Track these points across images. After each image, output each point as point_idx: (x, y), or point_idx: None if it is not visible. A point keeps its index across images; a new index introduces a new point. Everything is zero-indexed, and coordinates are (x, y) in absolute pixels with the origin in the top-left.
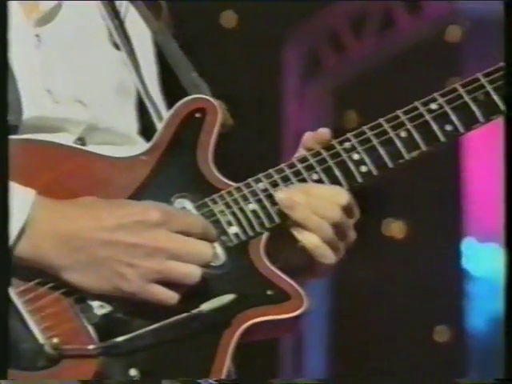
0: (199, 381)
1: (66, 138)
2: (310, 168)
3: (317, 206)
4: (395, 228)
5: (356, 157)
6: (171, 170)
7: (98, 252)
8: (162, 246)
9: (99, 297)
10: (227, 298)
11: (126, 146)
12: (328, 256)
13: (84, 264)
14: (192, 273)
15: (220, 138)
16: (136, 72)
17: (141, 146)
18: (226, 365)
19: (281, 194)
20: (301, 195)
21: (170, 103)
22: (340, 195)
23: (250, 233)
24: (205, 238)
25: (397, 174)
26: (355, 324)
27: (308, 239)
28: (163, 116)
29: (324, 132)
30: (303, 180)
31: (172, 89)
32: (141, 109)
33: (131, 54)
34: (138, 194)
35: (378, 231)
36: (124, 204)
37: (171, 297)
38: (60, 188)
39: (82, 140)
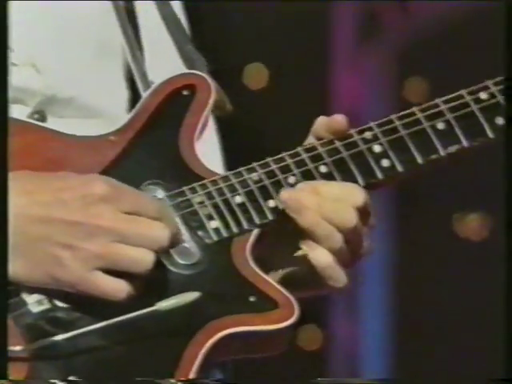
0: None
1: (21, 111)
2: (317, 158)
3: (328, 210)
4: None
5: (377, 149)
6: (145, 154)
7: (30, 231)
8: (108, 224)
9: (34, 290)
10: (190, 296)
11: (100, 121)
12: (338, 278)
13: (12, 246)
14: (142, 258)
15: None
16: (128, 31)
17: (119, 122)
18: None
19: (286, 195)
20: (310, 197)
21: None
22: (356, 195)
23: (235, 229)
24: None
25: None
26: (418, 324)
27: (316, 254)
28: None
29: (338, 120)
30: (308, 172)
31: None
32: (130, 77)
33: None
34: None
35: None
36: (63, 176)
37: (118, 289)
38: (4, 169)
39: (39, 113)
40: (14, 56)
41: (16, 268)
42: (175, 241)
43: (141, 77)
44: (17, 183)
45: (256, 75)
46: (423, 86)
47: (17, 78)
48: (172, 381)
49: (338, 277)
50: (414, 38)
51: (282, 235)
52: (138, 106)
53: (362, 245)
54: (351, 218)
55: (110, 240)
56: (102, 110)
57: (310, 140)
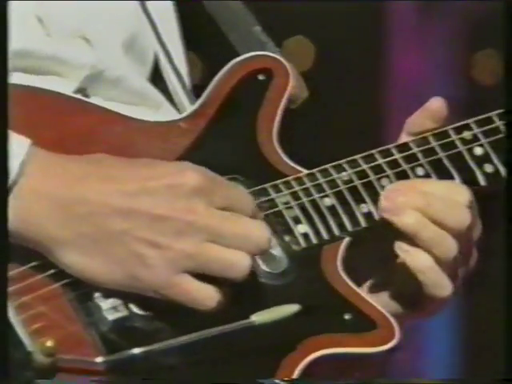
0: None
1: (61, 85)
2: (411, 159)
3: (437, 210)
4: None
5: (479, 151)
6: (220, 145)
7: (111, 224)
8: (201, 221)
9: (110, 293)
10: (290, 309)
11: (144, 108)
12: (444, 285)
13: (90, 240)
14: (239, 262)
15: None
16: (154, 32)
17: (167, 111)
18: None
19: (384, 197)
20: (413, 195)
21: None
22: (464, 193)
23: (325, 236)
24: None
25: None
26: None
27: (417, 258)
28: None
29: (437, 104)
30: (403, 175)
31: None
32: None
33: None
34: None
35: None
36: (151, 163)
37: (209, 296)
38: (64, 153)
39: (82, 91)
40: (49, 24)
41: (91, 266)
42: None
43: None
44: (98, 167)
45: (300, 51)
46: (493, 61)
47: (53, 47)
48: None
49: (443, 282)
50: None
51: (374, 243)
52: (209, 90)
53: (472, 255)
54: (465, 219)
55: (203, 239)
56: (147, 96)
57: (403, 137)
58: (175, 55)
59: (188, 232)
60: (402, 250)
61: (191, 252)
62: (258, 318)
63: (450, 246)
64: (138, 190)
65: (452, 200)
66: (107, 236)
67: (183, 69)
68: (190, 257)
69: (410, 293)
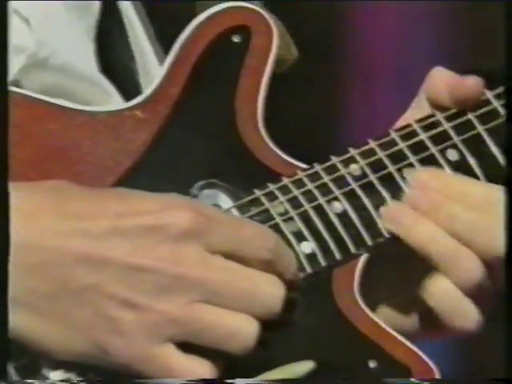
0: None
1: None
2: (442, 138)
3: (463, 224)
4: None
5: None
6: (190, 137)
7: (73, 277)
8: (193, 274)
9: (59, 364)
10: (301, 368)
11: (95, 98)
12: (467, 315)
13: (45, 299)
14: (243, 330)
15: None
16: None
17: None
18: None
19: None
20: (433, 198)
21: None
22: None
23: (337, 255)
24: (270, 268)
25: None
26: None
27: (434, 286)
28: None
29: (472, 85)
30: (430, 160)
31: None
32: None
33: None
34: (129, 179)
35: None
36: (126, 195)
37: (198, 373)
38: None
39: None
40: None
41: (46, 332)
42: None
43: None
44: (55, 200)
45: None
46: None
47: None
48: None
49: (467, 313)
50: None
51: (386, 260)
52: (169, 62)
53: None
54: (500, 241)
55: (195, 299)
56: (98, 83)
57: (423, 107)
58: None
59: (175, 289)
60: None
61: (178, 315)
62: (266, 378)
63: (473, 270)
64: (110, 232)
65: (487, 211)
66: (68, 293)
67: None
68: (177, 322)
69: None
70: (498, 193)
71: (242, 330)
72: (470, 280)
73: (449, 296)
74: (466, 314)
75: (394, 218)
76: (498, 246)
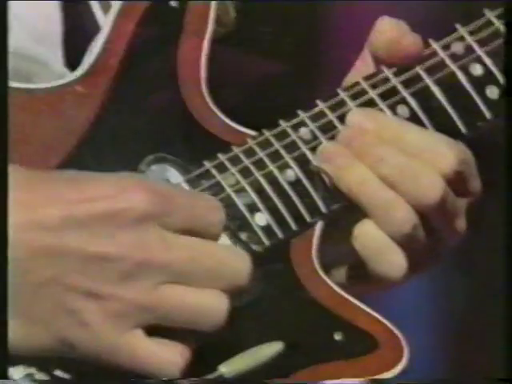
0: None
1: None
2: (391, 94)
3: (391, 169)
4: None
5: (478, 70)
6: (134, 111)
7: (30, 271)
8: (157, 257)
9: (21, 359)
10: (269, 350)
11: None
12: (392, 261)
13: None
14: (214, 306)
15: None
16: None
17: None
18: None
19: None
20: (367, 146)
21: None
22: (447, 155)
23: (293, 225)
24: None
25: None
26: None
27: (364, 227)
28: None
29: (413, 41)
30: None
31: None
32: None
33: None
34: (74, 158)
35: None
36: (77, 179)
37: (172, 361)
38: None
39: None
40: None
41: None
42: None
43: None
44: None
45: None
46: None
47: None
48: None
49: (393, 260)
50: None
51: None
52: (106, 31)
53: (452, 230)
54: (435, 192)
55: (161, 281)
56: (45, 63)
57: (367, 62)
58: None
59: (139, 274)
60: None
61: (145, 301)
62: (229, 368)
63: (404, 218)
64: (64, 222)
65: (423, 161)
66: (28, 287)
67: None
68: (145, 308)
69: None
70: (440, 142)
71: (213, 307)
72: (398, 229)
73: (373, 240)
74: (391, 261)
75: (328, 157)
76: (430, 194)
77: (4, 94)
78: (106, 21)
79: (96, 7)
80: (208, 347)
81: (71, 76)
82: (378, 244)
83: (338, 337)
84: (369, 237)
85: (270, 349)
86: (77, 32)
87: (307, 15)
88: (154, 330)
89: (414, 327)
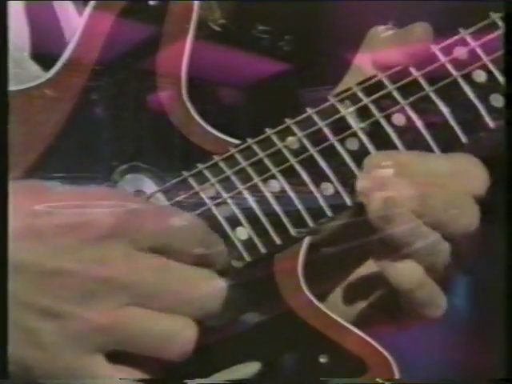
0: None
1: None
2: (386, 100)
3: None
4: None
5: (482, 77)
6: (107, 116)
7: None
8: (120, 276)
9: None
10: (246, 370)
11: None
12: (436, 302)
13: None
14: (180, 333)
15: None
16: None
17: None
18: None
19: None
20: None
21: None
22: (477, 175)
23: (277, 239)
24: (204, 261)
25: None
26: None
27: (398, 272)
28: None
29: (420, 30)
30: (376, 128)
31: None
32: None
33: None
34: (41, 166)
35: None
36: (38, 190)
37: None
38: None
39: None
40: None
41: None
42: None
43: None
44: None
45: None
46: None
47: None
48: None
49: (436, 300)
50: None
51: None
52: (80, 32)
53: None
54: (474, 219)
55: (123, 302)
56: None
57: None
58: None
59: (100, 293)
60: (381, 260)
61: (105, 322)
62: None
63: (442, 253)
64: (22, 233)
65: (457, 187)
66: None
67: None
68: (104, 330)
69: (387, 310)
70: (465, 163)
71: (179, 334)
72: (442, 264)
73: (426, 287)
74: (439, 302)
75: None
76: (472, 223)
77: (4, 94)
78: (80, 21)
79: (71, 8)
80: (181, 366)
81: (41, 78)
82: (429, 290)
83: (323, 359)
84: (423, 286)
85: (246, 369)
86: (50, 32)
87: (307, 15)
88: (116, 356)
89: (414, 327)
